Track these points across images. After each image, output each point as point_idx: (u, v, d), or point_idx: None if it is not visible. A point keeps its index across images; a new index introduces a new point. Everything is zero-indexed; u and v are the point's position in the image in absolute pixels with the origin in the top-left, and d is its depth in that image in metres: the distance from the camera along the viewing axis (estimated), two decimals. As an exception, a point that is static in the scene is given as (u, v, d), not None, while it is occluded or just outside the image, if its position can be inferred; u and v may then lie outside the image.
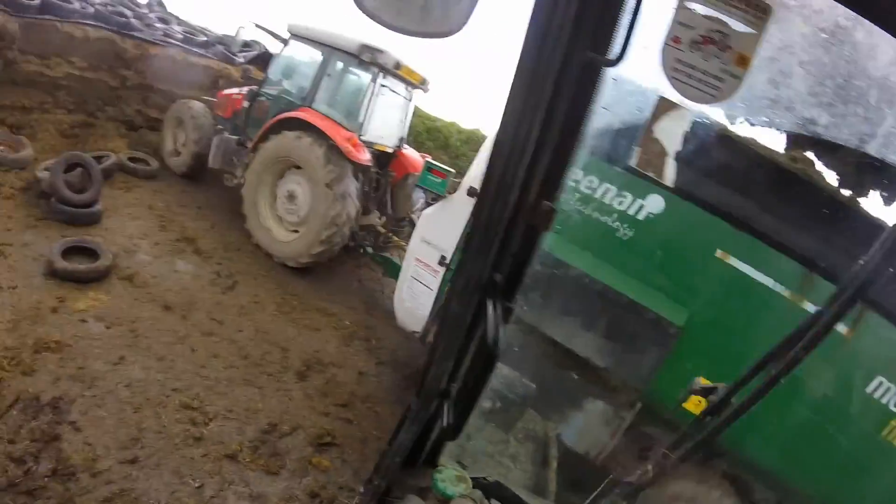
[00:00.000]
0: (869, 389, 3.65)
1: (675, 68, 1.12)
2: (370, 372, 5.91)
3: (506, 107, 1.16)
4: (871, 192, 3.83)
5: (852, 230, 3.62)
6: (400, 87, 8.01)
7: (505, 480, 1.86)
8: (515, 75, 1.12)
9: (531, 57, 1.09)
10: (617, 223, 3.64)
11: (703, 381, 2.50)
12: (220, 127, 8.41)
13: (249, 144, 7.78)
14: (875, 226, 3.62)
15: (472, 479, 1.83)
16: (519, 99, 1.13)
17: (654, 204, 3.63)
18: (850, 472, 3.80)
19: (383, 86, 7.57)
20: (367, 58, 7.10)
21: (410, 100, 8.36)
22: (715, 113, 3.61)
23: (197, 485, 3.69)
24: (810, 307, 3.63)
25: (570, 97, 1.14)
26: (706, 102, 1.13)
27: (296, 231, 7.32)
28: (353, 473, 4.36)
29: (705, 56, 1.10)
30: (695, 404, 3.78)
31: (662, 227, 3.64)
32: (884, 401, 3.66)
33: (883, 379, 3.64)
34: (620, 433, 3.88)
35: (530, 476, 2.84)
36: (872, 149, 3.36)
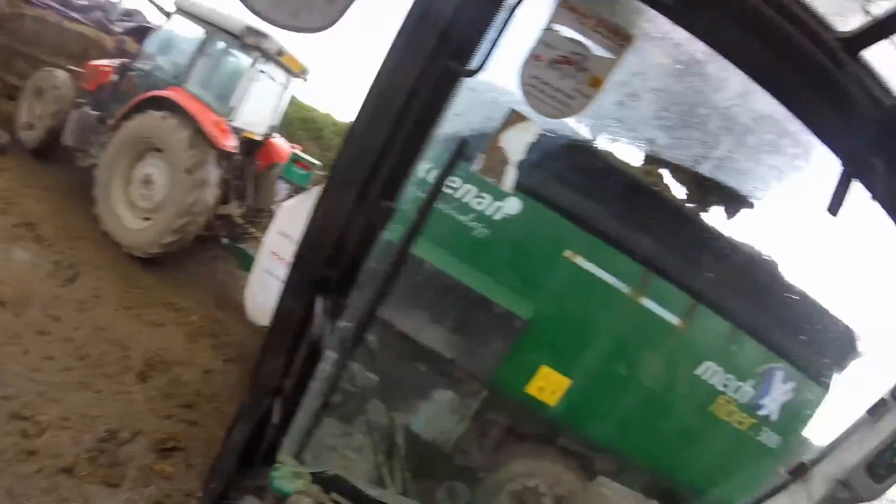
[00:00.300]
0: (698, 372, 4.19)
1: (531, 83, 1.19)
2: (217, 369, 5.67)
3: (362, 105, 1.17)
4: (714, 207, 4.39)
5: (691, 237, 4.13)
6: (279, 74, 7.76)
7: (349, 473, 1.86)
8: (376, 75, 1.14)
9: (394, 59, 1.11)
10: (474, 222, 3.80)
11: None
12: (81, 101, 7.67)
13: (111, 122, 7.17)
14: (712, 234, 4.15)
15: (311, 474, 1.80)
16: (375, 98, 1.15)
17: (512, 206, 3.84)
18: (683, 441, 4.34)
19: (262, 71, 7.31)
20: (250, 41, 6.85)
21: (287, 88, 8.12)
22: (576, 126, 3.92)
23: None
24: (648, 303, 4.07)
25: (424, 102, 1.17)
26: (554, 117, 1.21)
27: (148, 219, 6.83)
28: (200, 479, 4.16)
29: (562, 75, 1.18)
30: (542, 393, 4.08)
31: (517, 228, 3.87)
32: (711, 382, 4.22)
33: (710, 363, 4.19)
34: (467, 420, 4.07)
35: (375, 467, 2.87)
36: (704, 169, 3.84)
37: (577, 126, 3.86)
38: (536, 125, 1.37)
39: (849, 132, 1.04)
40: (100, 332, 5.18)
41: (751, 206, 4.13)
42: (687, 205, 4.26)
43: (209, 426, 4.76)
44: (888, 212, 1.11)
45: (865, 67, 0.98)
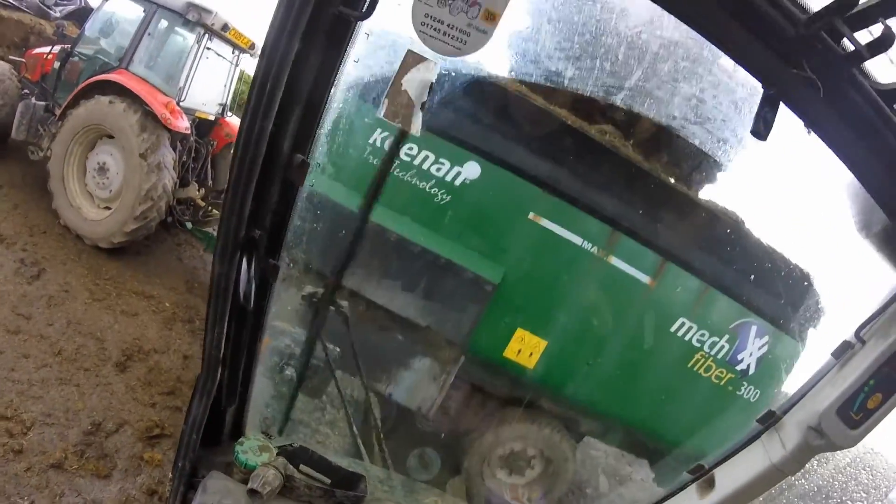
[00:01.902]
0: (673, 329, 4.24)
1: (424, 22, 1.14)
2: (195, 354, 5.65)
3: (259, 60, 1.13)
4: (671, 165, 4.38)
5: (653, 194, 4.15)
6: (226, 50, 7.52)
7: (324, 448, 1.89)
8: (269, 26, 1.09)
9: (284, 8, 1.08)
10: (434, 189, 3.79)
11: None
12: (26, 92, 7.34)
13: (58, 111, 6.90)
14: (670, 189, 4.17)
15: (277, 447, 1.83)
16: (272, 50, 1.10)
17: (471, 171, 3.83)
18: (664, 398, 4.42)
19: (208, 48, 7.05)
20: (192, 17, 6.60)
21: (237, 65, 7.89)
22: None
23: (26, 503, 3.43)
24: (617, 262, 4.11)
25: (320, 50, 1.14)
26: (451, 55, 1.16)
27: (108, 208, 6.68)
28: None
29: (453, 11, 1.13)
30: (520, 356, 4.15)
31: (479, 192, 3.86)
32: (686, 338, 4.27)
33: (685, 319, 4.24)
34: (447, 386, 4.13)
35: (350, 441, 2.92)
36: (618, 100, 3.82)
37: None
38: (435, 64, 1.33)
39: (765, 51, 1.01)
40: (73, 327, 5.13)
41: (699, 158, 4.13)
42: (644, 162, 4.27)
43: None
44: (814, 129, 1.10)
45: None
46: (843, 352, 1.40)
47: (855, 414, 1.33)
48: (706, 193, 4.31)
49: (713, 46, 1.03)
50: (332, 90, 1.22)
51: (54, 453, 3.81)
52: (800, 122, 1.08)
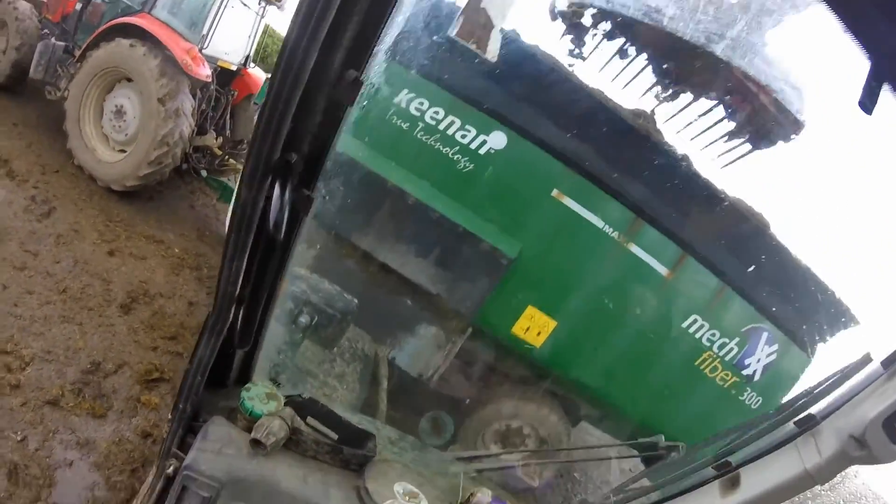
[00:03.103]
0: (684, 325, 4.15)
1: None
2: (201, 301, 5.60)
3: None
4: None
5: (683, 186, 4.03)
6: (252, 1, 7.36)
7: (330, 401, 1.83)
8: None
9: None
10: (458, 156, 3.69)
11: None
12: (46, 32, 7.23)
13: (77, 52, 6.79)
14: (703, 184, 4.04)
15: (286, 396, 1.76)
16: None
17: (497, 140, 3.72)
18: (665, 392, 4.36)
19: (234, -3, 6.89)
20: None
21: (262, 17, 7.73)
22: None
23: (19, 437, 3.39)
24: (636, 250, 4.01)
25: None
26: None
27: (123, 151, 6.60)
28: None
29: None
30: (528, 334, 4.10)
31: (503, 163, 3.75)
32: (697, 335, 4.18)
33: (697, 317, 4.15)
34: (451, 356, 4.09)
35: (358, 396, 2.89)
36: (717, 49, 3.66)
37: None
38: None
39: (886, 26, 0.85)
40: (80, 266, 5.08)
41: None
42: (678, 150, 4.15)
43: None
44: None
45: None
46: (894, 362, 1.29)
47: None
48: (736, 191, 4.19)
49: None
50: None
51: (51, 390, 3.79)
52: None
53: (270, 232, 1.17)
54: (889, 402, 1.24)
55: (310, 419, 1.71)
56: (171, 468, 1.63)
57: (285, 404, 1.70)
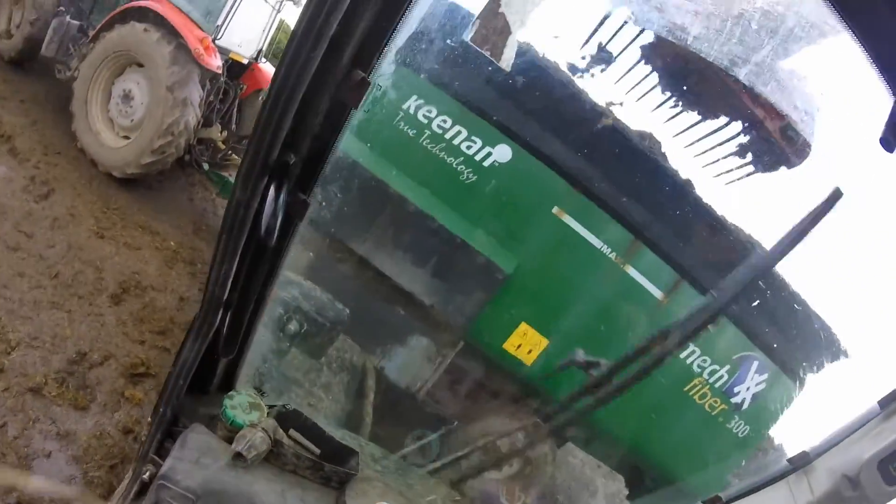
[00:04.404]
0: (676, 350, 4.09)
1: None
2: (192, 297, 5.55)
3: None
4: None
5: (685, 210, 4.02)
6: (271, -5, 7.33)
7: (315, 412, 1.78)
8: None
9: None
10: (462, 166, 3.66)
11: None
12: (62, 9, 7.15)
13: (91, 33, 6.77)
14: (703, 210, 4.03)
15: (269, 406, 1.72)
16: None
17: (502, 153, 3.70)
18: (655, 421, 4.32)
19: (252, -11, 6.86)
20: None
21: (279, 11, 7.69)
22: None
23: None
24: (633, 272, 3.99)
25: None
26: None
27: (127, 137, 6.55)
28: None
29: None
30: (519, 351, 4.06)
31: (506, 177, 3.73)
32: (688, 362, 4.16)
33: (689, 343, 4.08)
34: (441, 370, 4.05)
35: (343, 407, 2.84)
36: (741, 73, 3.64)
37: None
38: None
39: None
40: (74, 252, 5.03)
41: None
42: (681, 175, 4.14)
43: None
44: None
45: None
46: (891, 402, 1.28)
47: (895, 470, 1.22)
48: (736, 219, 4.18)
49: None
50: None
51: (35, 377, 3.74)
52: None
53: (262, 238, 1.13)
54: (885, 443, 1.23)
55: (292, 432, 1.67)
56: (148, 473, 1.58)
57: (268, 415, 1.66)
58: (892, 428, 1.25)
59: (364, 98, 1.08)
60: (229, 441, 1.56)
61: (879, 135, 0.88)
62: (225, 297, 1.35)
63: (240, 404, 1.64)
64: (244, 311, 1.42)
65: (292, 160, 1.11)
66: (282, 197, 1.16)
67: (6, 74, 7.26)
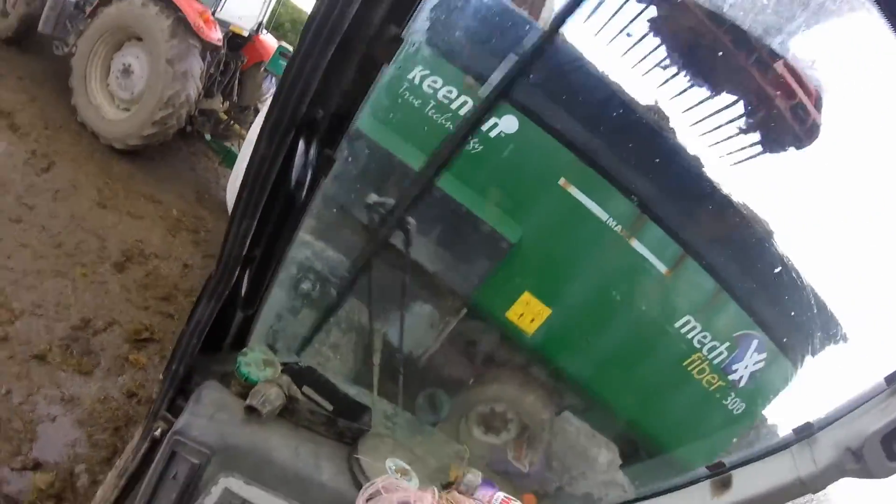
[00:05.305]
0: (677, 324, 4.13)
1: None
2: (196, 265, 5.57)
3: None
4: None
5: (690, 186, 4.01)
6: (271, -34, 7.23)
7: (323, 370, 1.79)
8: None
9: None
10: (468, 137, 3.63)
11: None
12: None
13: (89, 9, 6.66)
14: (713, 187, 4.00)
15: (283, 363, 1.73)
16: None
17: (508, 124, 3.67)
18: (653, 394, 4.36)
19: (253, -40, 6.77)
20: None
21: (280, -17, 7.57)
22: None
23: (3, 391, 3.38)
24: (638, 245, 3.99)
25: None
26: None
27: (127, 110, 6.52)
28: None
29: None
30: (521, 320, 4.09)
31: (512, 148, 3.70)
32: (689, 336, 4.16)
33: (691, 318, 4.12)
34: (443, 337, 4.08)
35: (351, 367, 2.87)
36: (774, 43, 3.59)
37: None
38: None
39: None
40: (76, 222, 5.03)
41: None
42: (689, 151, 4.11)
43: (185, 319, 4.73)
44: None
45: None
46: None
47: None
48: (743, 196, 4.17)
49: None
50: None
51: (39, 344, 3.77)
52: None
53: (290, 191, 1.12)
54: (889, 419, 1.24)
55: (306, 388, 1.69)
56: (159, 430, 1.60)
57: (282, 371, 1.67)
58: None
59: (396, 54, 1.06)
60: (243, 398, 1.57)
61: None
62: (244, 255, 1.35)
63: (254, 361, 1.65)
64: (266, 267, 1.41)
65: (320, 115, 1.09)
66: (305, 153, 1.15)
67: (3, 52, 7.17)
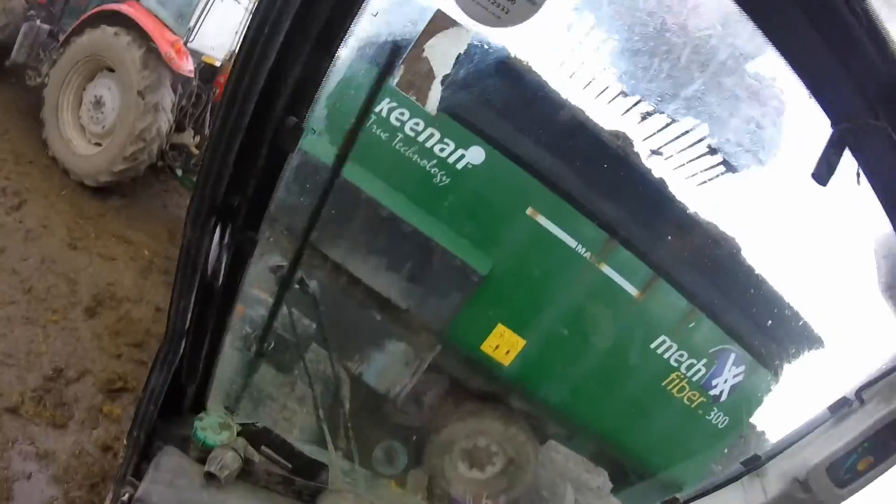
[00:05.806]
0: (653, 346, 4.20)
1: None
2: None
3: (257, 4, 1.00)
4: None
5: (656, 208, 4.08)
6: (244, -4, 7.21)
7: (290, 425, 1.80)
8: None
9: None
10: (435, 169, 3.68)
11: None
12: (32, 13, 6.98)
13: (62, 37, 6.63)
14: (678, 206, 4.09)
15: (240, 424, 1.74)
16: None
17: (475, 156, 3.72)
18: (633, 411, 4.40)
19: (224, -9, 6.75)
20: None
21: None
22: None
23: None
24: (608, 270, 4.04)
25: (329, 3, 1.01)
26: (490, 25, 0.99)
27: (99, 144, 6.44)
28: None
29: None
30: (497, 352, 4.10)
31: (479, 179, 3.76)
32: (665, 356, 4.23)
33: (666, 338, 4.20)
34: (420, 374, 4.08)
35: (317, 419, 2.83)
36: (669, 109, 3.68)
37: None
38: (467, 32, 1.15)
39: (847, 88, 0.86)
40: (47, 265, 4.95)
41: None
42: (654, 173, 4.19)
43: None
44: (874, 187, 0.97)
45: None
46: (840, 408, 1.35)
47: (844, 473, 1.28)
48: (710, 215, 4.25)
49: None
50: (342, 45, 1.07)
51: (11, 396, 3.69)
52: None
53: (218, 271, 1.17)
54: (833, 449, 1.28)
55: (263, 448, 1.70)
56: (127, 496, 1.60)
57: (239, 434, 1.68)
58: (839, 434, 1.30)
59: (298, 142, 1.11)
60: (203, 462, 1.58)
61: (811, 170, 0.91)
62: (186, 328, 1.38)
63: (210, 425, 1.66)
64: (203, 341, 1.45)
65: (237, 202, 1.14)
66: (227, 238, 1.20)
67: (-26, 84, 7.06)
